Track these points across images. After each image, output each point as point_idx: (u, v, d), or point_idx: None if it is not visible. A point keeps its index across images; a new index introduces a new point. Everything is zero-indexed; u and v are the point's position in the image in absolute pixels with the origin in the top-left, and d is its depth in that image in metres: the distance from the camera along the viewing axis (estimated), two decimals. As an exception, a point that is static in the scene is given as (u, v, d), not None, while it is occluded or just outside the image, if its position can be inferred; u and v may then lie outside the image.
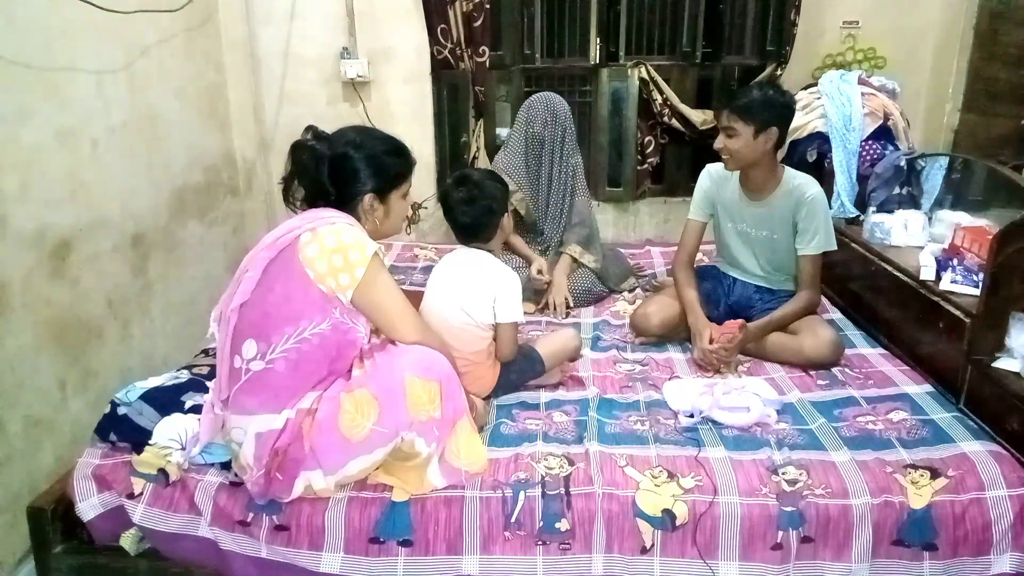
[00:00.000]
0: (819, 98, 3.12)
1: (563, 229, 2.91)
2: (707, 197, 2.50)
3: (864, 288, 2.67)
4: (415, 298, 2.04)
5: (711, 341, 2.26)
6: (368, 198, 1.71)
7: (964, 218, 2.50)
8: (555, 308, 2.74)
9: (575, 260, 2.86)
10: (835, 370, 2.24)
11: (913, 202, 2.85)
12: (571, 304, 2.76)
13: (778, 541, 1.65)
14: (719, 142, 2.32)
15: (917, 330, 2.30)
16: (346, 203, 1.70)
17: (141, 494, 1.74)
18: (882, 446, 1.83)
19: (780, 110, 2.28)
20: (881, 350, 2.39)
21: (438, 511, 1.68)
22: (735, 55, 3.55)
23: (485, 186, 2.03)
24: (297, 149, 1.70)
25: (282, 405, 1.60)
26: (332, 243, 1.59)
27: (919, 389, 2.10)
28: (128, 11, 2.45)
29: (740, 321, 2.28)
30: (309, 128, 1.74)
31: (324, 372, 1.63)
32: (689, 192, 2.57)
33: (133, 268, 2.51)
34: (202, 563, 1.75)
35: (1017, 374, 1.91)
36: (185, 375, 2.02)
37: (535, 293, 2.78)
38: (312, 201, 1.71)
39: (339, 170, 1.68)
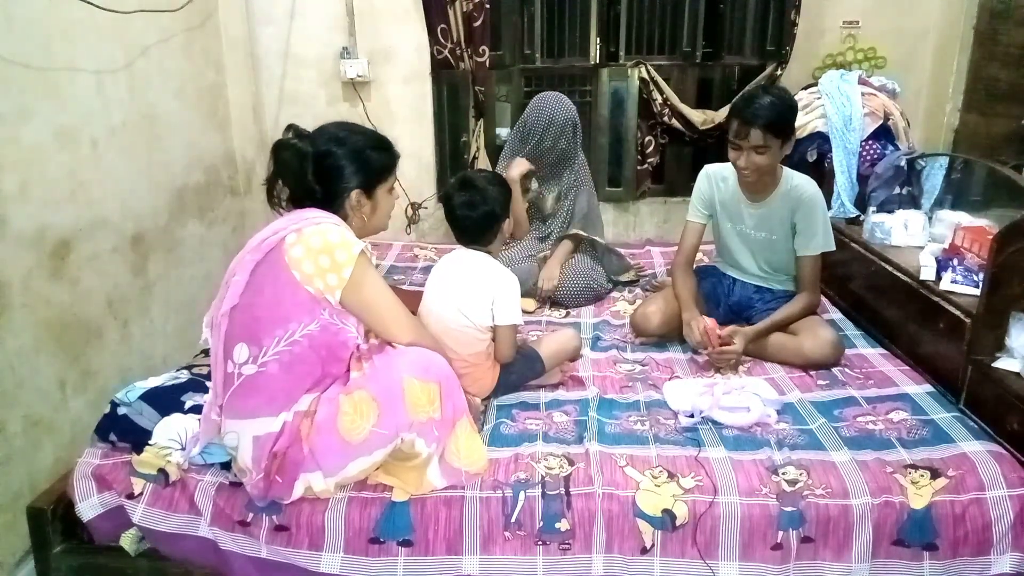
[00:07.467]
0: (819, 98, 3.12)
1: (566, 226, 2.91)
2: (705, 199, 2.50)
3: (864, 288, 2.67)
4: (415, 298, 2.04)
5: (708, 341, 2.26)
6: (355, 194, 1.69)
7: (964, 218, 2.50)
8: (543, 301, 2.76)
9: (578, 237, 2.87)
10: (835, 370, 2.24)
11: (913, 202, 2.85)
12: (557, 285, 2.76)
13: (778, 541, 1.65)
14: (743, 161, 2.22)
15: (917, 330, 2.30)
16: (332, 201, 1.68)
17: (141, 494, 1.75)
18: (882, 446, 1.83)
19: (794, 115, 2.30)
20: (881, 350, 2.39)
21: (438, 511, 1.68)
22: (735, 55, 3.54)
23: (488, 191, 2.03)
24: (280, 148, 1.67)
25: (278, 408, 1.59)
26: (318, 243, 1.57)
27: (919, 389, 2.10)
28: (128, 11, 2.45)
29: (721, 331, 2.27)
30: (290, 127, 1.71)
31: (318, 374, 1.63)
32: (689, 192, 2.57)
33: (133, 268, 2.51)
34: (202, 563, 1.75)
35: (1017, 374, 1.91)
36: (185, 375, 2.02)
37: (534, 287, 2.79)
38: (297, 201, 1.68)
39: (324, 168, 1.66)
